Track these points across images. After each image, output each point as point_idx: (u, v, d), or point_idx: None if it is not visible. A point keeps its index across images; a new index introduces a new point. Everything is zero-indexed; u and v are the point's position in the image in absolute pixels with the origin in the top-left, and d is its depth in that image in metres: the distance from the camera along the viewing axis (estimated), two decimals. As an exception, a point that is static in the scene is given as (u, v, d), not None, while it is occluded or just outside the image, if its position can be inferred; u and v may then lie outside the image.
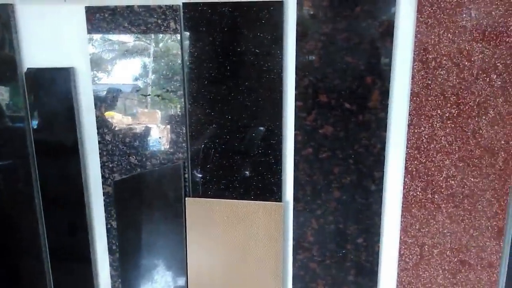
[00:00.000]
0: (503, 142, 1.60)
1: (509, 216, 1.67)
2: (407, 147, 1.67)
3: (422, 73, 1.60)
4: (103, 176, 1.92)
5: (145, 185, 1.88)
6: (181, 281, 1.95)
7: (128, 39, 1.78)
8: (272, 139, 1.76)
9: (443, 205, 1.69)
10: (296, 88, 1.69)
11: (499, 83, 1.56)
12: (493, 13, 1.51)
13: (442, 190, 1.67)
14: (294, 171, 1.77)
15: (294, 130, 1.73)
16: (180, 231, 1.90)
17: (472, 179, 1.65)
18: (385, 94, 1.64)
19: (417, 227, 1.72)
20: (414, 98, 1.62)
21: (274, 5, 1.64)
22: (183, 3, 1.70)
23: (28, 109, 1.89)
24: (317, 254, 1.82)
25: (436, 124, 1.63)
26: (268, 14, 1.65)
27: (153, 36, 1.76)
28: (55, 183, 1.95)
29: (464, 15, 1.53)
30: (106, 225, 1.98)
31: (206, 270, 1.91)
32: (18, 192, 1.96)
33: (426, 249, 1.73)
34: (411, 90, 1.62)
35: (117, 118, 1.85)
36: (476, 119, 1.60)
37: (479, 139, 1.61)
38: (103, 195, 1.95)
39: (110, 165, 1.90)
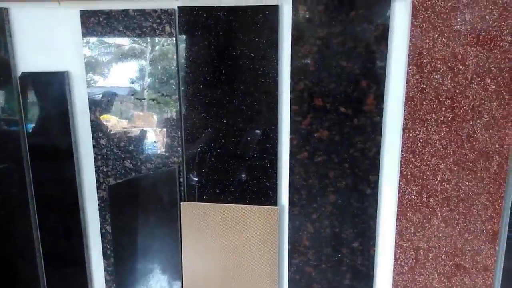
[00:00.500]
0: (497, 145, 1.60)
1: (503, 220, 1.67)
2: (402, 151, 1.67)
3: (417, 77, 1.60)
4: (97, 181, 1.91)
5: (140, 190, 1.88)
6: (176, 286, 1.94)
7: (124, 42, 1.77)
8: (268, 143, 1.76)
9: (438, 209, 1.69)
10: (292, 92, 1.69)
11: (493, 87, 1.56)
12: (487, 17, 1.52)
13: (437, 193, 1.68)
14: (289, 175, 1.77)
15: (290, 134, 1.73)
16: (175, 235, 1.89)
17: (467, 183, 1.65)
18: (380, 98, 1.65)
19: (412, 231, 1.73)
20: (409, 102, 1.62)
21: (269, 10, 1.65)
22: (178, 7, 1.70)
23: (22, 113, 1.88)
24: (312, 258, 1.82)
25: (431, 128, 1.63)
26: (263, 18, 1.65)
27: (149, 39, 1.76)
28: (49, 187, 1.94)
29: (459, 20, 1.54)
30: (101, 229, 1.97)
31: (201, 274, 1.91)
32: (12, 196, 1.95)
33: (422, 253, 1.74)
34: (406, 94, 1.62)
35: (112, 122, 1.85)
36: (471, 123, 1.60)
37: (474, 143, 1.61)
38: (98, 200, 1.94)
39: (105, 170, 1.89)
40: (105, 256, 2.00)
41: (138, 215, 1.90)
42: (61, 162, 1.91)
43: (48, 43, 1.83)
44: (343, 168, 1.72)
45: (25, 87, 1.85)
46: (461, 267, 1.72)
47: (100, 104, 1.84)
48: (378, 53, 1.61)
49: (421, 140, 1.65)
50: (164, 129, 1.82)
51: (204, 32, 1.71)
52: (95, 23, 1.77)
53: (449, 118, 1.61)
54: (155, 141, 1.84)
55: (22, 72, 1.86)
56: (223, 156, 1.80)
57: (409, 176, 1.68)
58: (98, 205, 1.95)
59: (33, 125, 1.89)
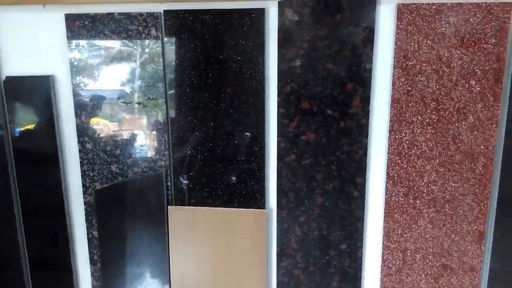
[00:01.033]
0: (482, 147, 1.62)
1: (489, 220, 1.69)
2: (388, 153, 1.68)
3: (403, 80, 1.61)
4: (83, 185, 1.90)
5: (126, 194, 1.86)
6: (164, 290, 1.94)
7: (110, 44, 1.76)
8: (255, 146, 1.75)
9: (424, 210, 1.70)
10: (279, 95, 1.70)
11: (478, 88, 1.58)
12: (471, 20, 1.53)
13: (424, 195, 1.69)
14: (277, 178, 1.77)
15: (277, 137, 1.73)
16: (162, 239, 1.88)
17: (452, 184, 1.66)
18: (366, 100, 1.65)
19: (399, 232, 1.73)
20: (395, 104, 1.63)
21: (256, 13, 1.65)
22: (164, 10, 1.70)
23: (7, 117, 1.86)
24: (301, 261, 1.82)
25: (416, 130, 1.64)
26: (249, 22, 1.66)
27: (136, 43, 1.75)
28: (35, 192, 1.92)
29: (443, 22, 1.55)
30: (87, 234, 1.95)
31: (190, 278, 1.90)
32: (-3, 201, 1.93)
33: (409, 254, 1.74)
34: (391, 97, 1.63)
35: (98, 126, 1.84)
36: (456, 125, 1.62)
37: (459, 145, 1.63)
38: (84, 204, 1.92)
39: (91, 174, 1.88)
40: (92, 261, 1.98)
41: (125, 220, 1.89)
42: (46, 166, 1.89)
43: (33, 47, 1.82)
44: (330, 170, 1.72)
45: (10, 91, 1.83)
46: (448, 267, 1.73)
47: (86, 108, 1.83)
48: (364, 56, 1.62)
49: (407, 142, 1.66)
50: (151, 133, 1.81)
51: (190, 35, 1.70)
52: (80, 26, 1.75)
53: (435, 120, 1.62)
54: (142, 145, 1.83)
55: (7, 76, 1.84)
56: (210, 159, 1.79)
57: (395, 178, 1.69)
58: (85, 210, 1.93)
59: (18, 129, 1.86)
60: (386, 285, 1.78)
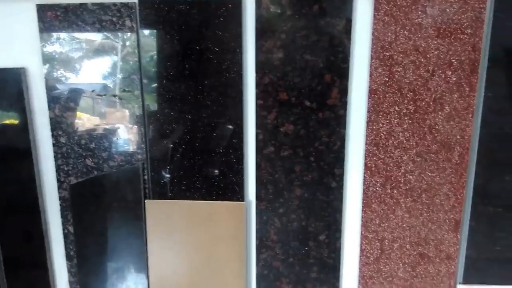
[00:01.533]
0: (458, 136, 1.64)
1: (465, 209, 1.71)
2: (366, 144, 1.69)
3: (380, 70, 1.62)
4: (58, 180, 1.86)
5: (102, 188, 1.83)
6: (142, 285, 1.91)
7: (84, 36, 1.72)
8: (234, 138, 1.74)
9: (402, 200, 1.72)
10: (257, 86, 1.68)
11: (454, 79, 1.59)
12: (447, 10, 1.55)
13: (401, 185, 1.70)
14: (256, 170, 1.76)
15: (256, 129, 1.72)
16: (140, 234, 1.86)
17: (429, 174, 1.68)
18: (344, 91, 1.66)
19: (377, 222, 1.75)
20: (372, 95, 1.64)
21: (233, 3, 1.63)
22: (139, 0, 1.66)
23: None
24: (280, 253, 1.82)
25: (394, 121, 1.65)
26: (226, 12, 1.64)
27: (109, 34, 1.71)
28: (7, 188, 1.87)
29: (420, 13, 1.56)
30: (63, 230, 1.92)
31: (168, 272, 1.88)
32: (-32, 198, 1.88)
33: (386, 243, 1.76)
34: (369, 87, 1.64)
35: (73, 119, 1.79)
36: (433, 115, 1.63)
37: (436, 135, 1.64)
38: (59, 200, 1.89)
39: (66, 168, 1.84)
40: (68, 257, 1.94)
41: (101, 214, 1.85)
42: (19, 161, 1.84)
43: (4, 38, 1.76)
44: (309, 162, 1.72)
45: (-21, 85, 1.78)
46: (425, 256, 1.76)
47: (60, 101, 1.78)
48: (341, 46, 1.62)
49: (385, 133, 1.67)
50: (127, 126, 1.78)
51: (166, 26, 1.67)
52: (52, 17, 1.71)
53: (412, 111, 1.63)
54: (117, 138, 1.80)
55: (-24, 69, 1.78)
56: (188, 152, 1.77)
57: (373, 168, 1.70)
58: (60, 205, 1.89)
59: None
60: (365, 274, 1.80)
